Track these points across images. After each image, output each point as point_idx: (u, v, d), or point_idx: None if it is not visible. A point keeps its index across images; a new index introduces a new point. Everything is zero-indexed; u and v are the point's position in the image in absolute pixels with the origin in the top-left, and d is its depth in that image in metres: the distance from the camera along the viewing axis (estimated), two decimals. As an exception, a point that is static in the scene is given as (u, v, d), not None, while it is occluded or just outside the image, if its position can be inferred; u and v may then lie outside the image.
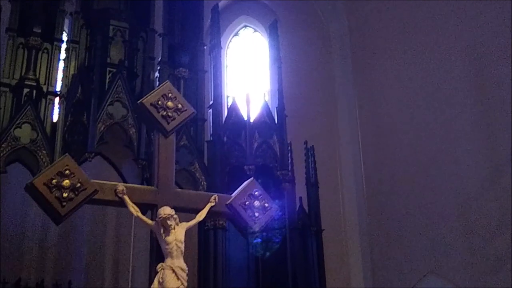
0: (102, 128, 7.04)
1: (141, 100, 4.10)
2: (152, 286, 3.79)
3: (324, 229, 7.89)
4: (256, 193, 4.21)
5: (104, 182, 3.96)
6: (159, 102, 4.04)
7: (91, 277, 8.90)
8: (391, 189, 8.99)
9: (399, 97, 9.22)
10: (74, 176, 3.65)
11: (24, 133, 6.78)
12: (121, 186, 3.92)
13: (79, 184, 3.65)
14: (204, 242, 7.13)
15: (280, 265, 7.43)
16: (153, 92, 4.14)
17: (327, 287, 7.66)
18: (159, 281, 3.77)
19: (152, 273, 3.84)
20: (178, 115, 4.10)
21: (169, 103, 4.06)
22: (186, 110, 4.17)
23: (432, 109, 8.69)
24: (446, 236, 8.14)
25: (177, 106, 4.10)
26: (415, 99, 8.94)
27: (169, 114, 4.05)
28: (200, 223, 7.11)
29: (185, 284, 3.85)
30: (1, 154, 6.64)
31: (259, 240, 7.52)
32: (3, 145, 6.67)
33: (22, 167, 6.87)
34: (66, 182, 3.61)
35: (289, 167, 7.71)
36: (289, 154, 7.81)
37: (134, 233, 8.68)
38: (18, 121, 6.80)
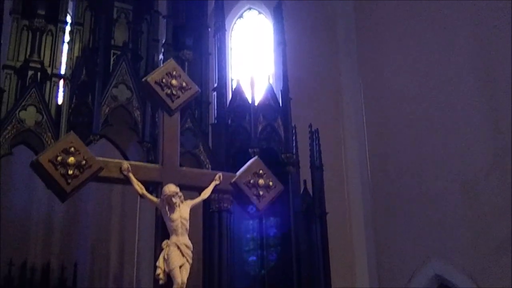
0: (106, 111, 7.05)
1: (145, 78, 4.10)
2: (157, 263, 3.81)
3: (328, 212, 7.87)
4: (261, 171, 4.21)
5: (109, 159, 3.96)
6: (164, 80, 4.03)
7: (96, 258, 8.98)
8: (396, 172, 8.98)
9: (404, 79, 9.17)
10: (79, 154, 3.66)
11: (29, 115, 6.80)
12: (126, 164, 3.93)
13: (84, 162, 3.66)
14: (208, 225, 7.16)
15: (284, 248, 7.45)
16: (158, 70, 4.14)
17: (331, 270, 7.67)
18: (164, 258, 3.80)
19: (157, 250, 3.86)
20: (183, 93, 4.10)
21: (174, 81, 4.05)
22: (190, 88, 4.16)
23: (437, 92, 8.64)
24: (450, 219, 8.14)
25: (182, 84, 4.09)
26: (420, 81, 8.89)
27: (174, 92, 4.04)
28: (205, 206, 7.25)
29: (190, 261, 3.87)
30: (7, 137, 6.67)
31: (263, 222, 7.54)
32: (8, 128, 6.70)
33: (28, 149, 6.89)
34: (71, 160, 3.62)
35: (294, 150, 7.69)
36: (294, 137, 7.79)
37: (139, 214, 8.76)
38: (23, 104, 6.83)
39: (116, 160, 4.00)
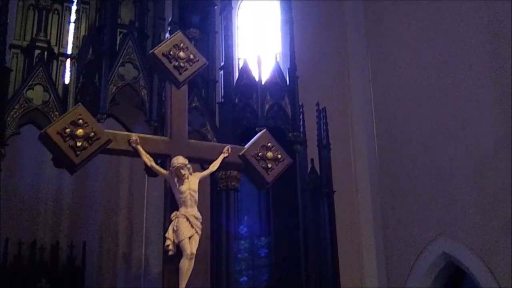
0: (113, 90, 7.04)
1: (152, 50, 4.08)
2: (166, 235, 3.83)
3: (335, 190, 7.89)
4: (269, 144, 4.20)
5: (118, 132, 3.98)
6: (171, 53, 4.01)
7: (105, 237, 9.04)
8: (403, 150, 8.93)
9: (412, 56, 9.08)
10: (87, 126, 3.66)
11: (37, 94, 6.82)
12: (134, 136, 3.93)
13: (92, 134, 3.66)
14: (216, 203, 7.18)
15: (291, 227, 7.47)
16: (165, 42, 4.12)
17: (338, 248, 7.70)
18: (173, 230, 3.81)
19: (167, 222, 3.88)
20: (190, 65, 4.08)
21: (181, 54, 4.03)
22: (198, 60, 4.14)
23: (446, 69, 8.55)
24: (459, 197, 8.10)
25: (189, 56, 4.07)
26: (429, 58, 8.79)
27: (181, 64, 4.02)
28: (212, 185, 7.26)
29: (199, 232, 3.88)
30: (14, 116, 6.69)
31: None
32: (15, 107, 6.72)
33: (35, 128, 6.91)
34: (79, 132, 3.62)
35: (301, 129, 7.68)
36: (301, 116, 7.77)
37: (146, 193, 8.80)
38: (30, 83, 6.85)
39: (125, 133, 4.01)
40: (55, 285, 8.07)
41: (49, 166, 7.43)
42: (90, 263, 8.71)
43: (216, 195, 7.16)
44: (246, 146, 4.23)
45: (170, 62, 4.01)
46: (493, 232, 7.70)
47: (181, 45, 4.08)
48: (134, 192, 9.18)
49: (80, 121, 3.64)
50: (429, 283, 8.38)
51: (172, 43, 4.07)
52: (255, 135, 4.39)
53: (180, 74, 4.04)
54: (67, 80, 7.18)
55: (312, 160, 7.85)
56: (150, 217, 8.87)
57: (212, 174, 6.87)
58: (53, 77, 7.05)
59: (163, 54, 4.00)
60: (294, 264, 7.26)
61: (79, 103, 3.89)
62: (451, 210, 8.15)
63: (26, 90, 6.80)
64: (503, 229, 7.58)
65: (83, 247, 8.65)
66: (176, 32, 4.19)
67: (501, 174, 7.66)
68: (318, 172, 7.90)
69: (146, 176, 8.09)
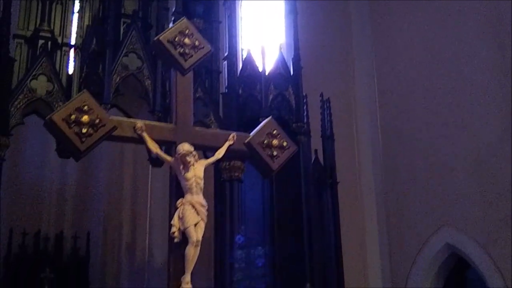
0: (117, 80, 7.03)
1: (158, 36, 4.05)
2: (172, 222, 3.83)
3: (339, 181, 7.89)
4: (275, 132, 4.19)
5: (123, 118, 3.98)
6: (176, 39, 3.98)
7: (109, 227, 9.07)
8: (407, 141, 8.92)
9: (418, 48, 9.05)
10: (93, 112, 3.65)
11: (40, 84, 6.81)
12: (140, 123, 3.91)
13: (98, 120, 3.65)
14: (219, 194, 7.18)
15: (295, 218, 7.47)
16: (170, 29, 4.09)
17: (342, 239, 7.71)
18: (179, 217, 3.81)
19: (172, 209, 3.88)
20: (196, 52, 4.05)
21: (186, 40, 4.01)
22: (203, 47, 4.12)
23: (450, 62, 8.52)
24: (462, 188, 8.09)
25: (195, 43, 4.05)
26: (433, 51, 8.77)
27: (186, 51, 4.00)
28: (216, 176, 7.26)
29: (205, 219, 3.88)
30: (18, 106, 6.69)
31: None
32: (19, 97, 6.71)
33: (39, 119, 6.91)
34: (85, 118, 3.60)
35: (305, 120, 7.67)
36: (305, 107, 7.75)
37: (150, 184, 8.81)
38: (34, 73, 6.84)
39: (130, 119, 3.99)
40: (59, 275, 8.04)
41: (53, 156, 7.44)
42: (94, 253, 8.76)
43: (219, 185, 7.18)
44: (252, 133, 4.22)
45: (176, 49, 3.99)
46: (496, 223, 7.70)
47: (187, 31, 4.06)
48: (138, 183, 9.20)
49: (86, 107, 3.62)
50: (432, 273, 8.39)
51: (178, 30, 4.05)
52: (258, 125, 4.38)
53: (186, 61, 4.02)
54: (71, 70, 7.16)
55: (316, 151, 7.83)
56: (154, 208, 8.89)
57: (216, 164, 6.97)
58: (57, 67, 7.03)
59: (168, 41, 3.98)
60: (298, 254, 7.27)
61: (84, 90, 3.88)
62: (455, 201, 8.15)
63: (30, 80, 6.78)
64: (506, 220, 7.57)
65: (87, 237, 8.69)
66: (181, 19, 4.17)
67: (504, 166, 7.65)
68: (322, 163, 7.89)
69: (150, 166, 8.13)
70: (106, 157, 9.05)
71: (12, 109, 6.62)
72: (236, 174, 7.12)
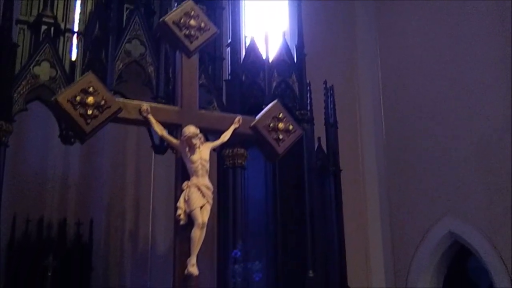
0: (120, 66, 7.02)
1: (163, 18, 4.03)
2: (178, 204, 3.83)
3: (342, 169, 7.88)
4: (280, 115, 4.18)
5: (128, 100, 3.95)
6: (182, 21, 3.96)
7: (112, 215, 9.07)
8: (410, 129, 8.90)
9: (421, 37, 9.01)
10: (98, 94, 3.63)
11: (43, 70, 6.78)
12: (145, 105, 3.90)
13: (103, 102, 3.63)
14: (223, 181, 7.18)
15: (298, 205, 7.47)
16: (175, 10, 4.06)
17: (344, 226, 7.72)
18: (184, 199, 3.80)
19: (178, 191, 3.87)
20: (201, 34, 4.03)
21: (192, 22, 3.98)
22: (209, 29, 4.09)
23: (455, 48, 8.48)
24: (465, 177, 8.09)
25: (200, 25, 4.02)
26: (438, 39, 8.73)
27: (192, 33, 3.97)
28: (219, 163, 7.26)
29: (211, 202, 3.88)
30: (21, 92, 6.67)
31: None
32: (22, 83, 6.69)
33: (42, 105, 6.89)
34: (90, 100, 3.58)
35: (308, 107, 7.65)
36: (308, 94, 7.73)
37: (153, 171, 8.80)
38: (37, 59, 6.80)
39: (135, 102, 3.97)
40: (62, 261, 8.09)
41: (56, 142, 7.43)
42: (97, 240, 8.75)
43: (223, 172, 7.17)
44: (257, 117, 4.20)
45: (181, 31, 3.96)
46: (499, 212, 7.70)
47: (192, 13, 4.03)
48: (141, 170, 9.19)
49: (91, 89, 3.61)
50: (435, 261, 8.41)
51: (183, 11, 4.01)
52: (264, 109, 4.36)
53: (191, 42, 3.99)
54: (74, 56, 7.13)
55: (319, 138, 7.83)
56: (157, 195, 8.88)
57: (219, 151, 6.98)
58: (60, 53, 6.99)
59: (173, 22, 3.95)
60: (300, 241, 7.28)
61: (90, 71, 3.86)
62: (457, 189, 8.15)
63: (33, 66, 6.75)
64: (509, 208, 7.57)
65: (90, 224, 8.69)
66: (186, 0, 4.13)
67: (507, 155, 7.63)
68: (325, 151, 7.89)
69: (153, 153, 8.12)
70: (109, 143, 9.03)
71: (15, 95, 6.60)
72: (239, 161, 7.12)
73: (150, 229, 8.91)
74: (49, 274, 7.82)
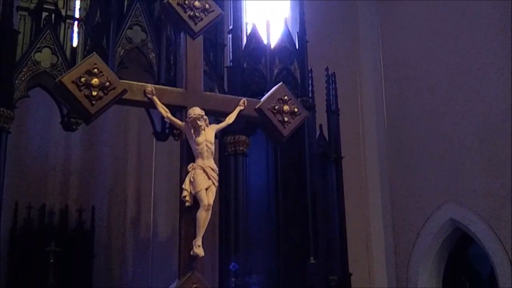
0: (121, 53, 6.99)
1: (167, -1, 4.01)
2: (183, 186, 3.83)
3: (344, 156, 7.89)
4: (286, 97, 4.16)
5: (133, 82, 3.93)
6: (186, 2, 3.93)
7: (113, 201, 9.09)
8: (412, 117, 8.90)
9: (423, 23, 8.98)
10: (102, 75, 3.61)
11: (45, 57, 6.75)
12: (150, 87, 3.89)
13: (108, 83, 3.62)
14: (224, 167, 7.17)
15: (299, 192, 7.47)
16: (180, -9, 4.04)
17: (346, 213, 7.74)
18: (190, 181, 3.80)
19: (183, 173, 3.87)
20: (206, 15, 4.01)
21: (196, 3, 3.95)
22: (213, 10, 4.07)
23: (457, 37, 8.47)
24: (466, 164, 8.10)
25: (205, 6, 4.00)
26: (440, 26, 8.71)
27: (197, 14, 3.95)
28: (221, 150, 7.25)
29: (216, 183, 3.88)
30: (23, 79, 6.64)
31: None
32: (24, 70, 6.65)
33: (44, 92, 6.88)
34: (95, 81, 3.57)
35: (310, 94, 7.63)
36: (310, 81, 7.71)
37: (154, 158, 8.81)
38: (38, 45, 6.76)
39: (140, 83, 3.96)
40: (64, 248, 8.14)
41: (57, 129, 7.42)
42: (99, 227, 8.78)
43: (224, 159, 7.17)
44: (262, 99, 4.20)
45: (185, 12, 3.94)
46: (500, 199, 7.73)
47: (196, -6, 4.01)
48: (142, 157, 9.21)
49: (95, 70, 3.59)
50: (435, 248, 8.44)
51: (187, -8, 3.99)
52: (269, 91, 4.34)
53: (196, 24, 3.97)
54: (75, 43, 7.10)
55: (320, 125, 7.82)
56: (158, 182, 8.90)
57: (220, 139, 6.97)
58: (61, 40, 6.94)
59: (178, 3, 3.93)
60: (301, 228, 7.29)
61: (94, 53, 3.84)
62: (459, 176, 8.17)
63: (34, 53, 6.71)
64: (510, 195, 7.59)
65: (92, 211, 8.72)
66: (190, -19, 4.11)
67: (508, 141, 7.64)
68: (327, 138, 7.89)
69: (154, 140, 8.12)
70: (111, 130, 9.04)
71: (17, 81, 6.56)
72: (241, 148, 7.12)
73: (152, 215, 8.93)
74: (51, 260, 7.87)
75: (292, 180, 7.57)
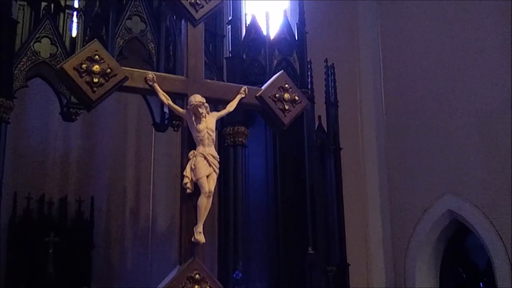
0: (121, 43, 7.01)
1: (168, -13, 4.01)
2: (184, 173, 3.84)
3: (342, 148, 7.92)
4: (286, 85, 4.18)
5: (134, 69, 3.94)
6: (188, -11, 3.95)
7: (113, 192, 9.11)
8: (411, 108, 8.92)
9: (423, 15, 8.98)
10: (103, 62, 3.62)
11: (44, 47, 6.74)
12: (151, 74, 3.90)
13: (109, 70, 3.63)
14: (224, 159, 7.18)
15: (298, 183, 7.50)
16: (181, -21, 4.04)
17: (344, 205, 7.77)
18: (191, 168, 3.82)
19: (184, 160, 3.88)
20: (207, 3, 4.01)
21: (197, -10, 3.97)
22: (215, -3, 4.08)
23: (456, 27, 8.46)
24: (465, 155, 8.12)
25: (205, -8, 4.02)
26: (439, 16, 8.70)
27: (198, 1, 3.95)
28: (220, 141, 7.26)
29: (217, 171, 3.90)
30: (22, 69, 6.63)
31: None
32: (23, 60, 6.65)
33: (43, 82, 6.87)
34: (96, 68, 3.58)
35: (309, 86, 7.65)
36: (309, 72, 7.73)
37: (153, 149, 8.83)
38: (37, 35, 6.75)
39: (141, 70, 3.97)
40: (64, 238, 8.16)
41: (57, 120, 7.42)
42: (98, 218, 8.80)
43: (223, 150, 7.18)
44: (263, 87, 4.21)
45: (186, -1, 3.96)
46: (498, 191, 7.75)
47: (197, -19, 4.00)
48: (142, 148, 9.22)
49: (97, 57, 3.61)
50: (433, 240, 8.49)
51: (188, -20, 3.99)
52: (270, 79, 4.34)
53: (197, 11, 3.98)
54: (74, 33, 7.09)
55: (319, 117, 7.86)
56: (158, 172, 8.92)
57: (220, 130, 6.98)
58: (60, 30, 6.94)
59: (179, -9, 3.94)
60: (300, 219, 7.32)
61: (95, 39, 3.84)
62: (457, 168, 8.19)
63: (33, 43, 6.71)
64: (508, 187, 7.62)
65: (91, 202, 8.74)
66: (191, -32, 4.10)
67: (506, 132, 7.66)
68: (325, 130, 7.91)
69: (154, 131, 8.12)
70: (110, 121, 9.05)
71: (16, 71, 6.56)
72: (240, 139, 7.15)
73: (151, 206, 8.96)
74: (50, 251, 7.89)
75: (291, 171, 7.60)
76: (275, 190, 7.41)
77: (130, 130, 9.29)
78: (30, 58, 6.68)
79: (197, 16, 3.99)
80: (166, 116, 7.36)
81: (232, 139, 7.13)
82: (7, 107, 6.28)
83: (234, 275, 6.07)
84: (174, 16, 6.75)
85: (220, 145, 7.17)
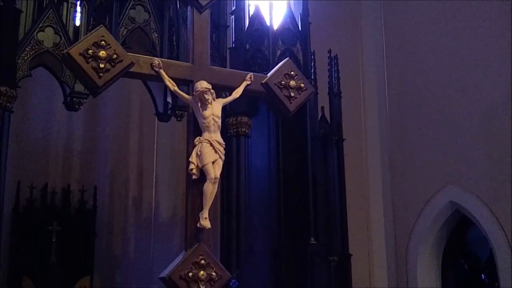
0: (124, 33, 7.03)
1: (174, -27, 4.01)
2: (190, 159, 3.86)
3: (345, 138, 7.92)
4: (292, 72, 4.17)
5: (140, 55, 3.95)
6: (193, -25, 3.95)
7: (115, 182, 9.14)
8: (414, 100, 8.90)
9: (426, 7, 8.96)
10: (110, 47, 3.63)
11: (47, 36, 6.76)
12: (157, 60, 3.90)
13: (115, 56, 3.63)
14: (227, 149, 7.18)
15: (300, 174, 7.51)
16: (186, -34, 4.04)
17: (347, 195, 7.78)
18: (197, 154, 3.84)
19: (190, 147, 3.90)
20: (213, -12, 4.03)
21: (203, -25, 3.97)
22: (221, -15, 4.09)
23: (459, 18, 8.45)
24: (467, 147, 8.12)
25: (211, -21, 4.02)
26: (442, 11, 8.68)
27: (203, -14, 3.97)
28: (223, 131, 7.27)
29: (223, 157, 3.92)
30: (25, 58, 6.64)
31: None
32: (26, 49, 6.66)
33: (46, 71, 6.88)
34: (102, 53, 3.58)
35: (312, 76, 7.65)
36: (312, 63, 7.72)
37: (156, 138, 8.86)
38: (40, 25, 6.77)
39: (147, 56, 3.98)
40: (66, 228, 8.19)
41: (60, 109, 7.43)
42: (101, 207, 8.83)
43: (226, 140, 7.17)
44: (269, 74, 4.21)
45: (192, -15, 3.95)
46: (500, 182, 7.74)
47: (203, -33, 4.00)
48: (144, 137, 9.24)
49: (103, 42, 3.61)
50: (435, 231, 8.49)
51: (194, -35, 3.99)
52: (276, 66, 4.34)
53: (203, -3, 3.98)
54: (77, 22, 7.10)
55: (322, 108, 7.85)
56: (160, 162, 8.95)
57: (223, 120, 6.98)
58: (64, 19, 6.95)
59: (185, -23, 3.95)
60: (303, 210, 7.34)
61: (101, 25, 3.85)
62: (459, 159, 8.19)
63: (37, 32, 6.72)
64: (510, 178, 7.62)
65: (94, 191, 8.77)
66: (196, -45, 4.10)
67: (508, 123, 7.66)
68: (328, 120, 7.91)
69: (156, 121, 8.14)
70: (113, 110, 9.06)
71: (19, 61, 6.58)
72: (243, 129, 7.16)
73: (154, 195, 8.99)
74: (53, 240, 7.92)
75: (294, 162, 7.61)
76: (278, 181, 7.42)
77: (133, 120, 9.31)
78: (33, 48, 6.70)
79: (203, 2, 3.99)
80: (169, 106, 7.37)
81: (235, 129, 7.14)
82: (11, 96, 6.30)
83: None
84: (179, 4, 6.72)
85: (223, 135, 7.18)
